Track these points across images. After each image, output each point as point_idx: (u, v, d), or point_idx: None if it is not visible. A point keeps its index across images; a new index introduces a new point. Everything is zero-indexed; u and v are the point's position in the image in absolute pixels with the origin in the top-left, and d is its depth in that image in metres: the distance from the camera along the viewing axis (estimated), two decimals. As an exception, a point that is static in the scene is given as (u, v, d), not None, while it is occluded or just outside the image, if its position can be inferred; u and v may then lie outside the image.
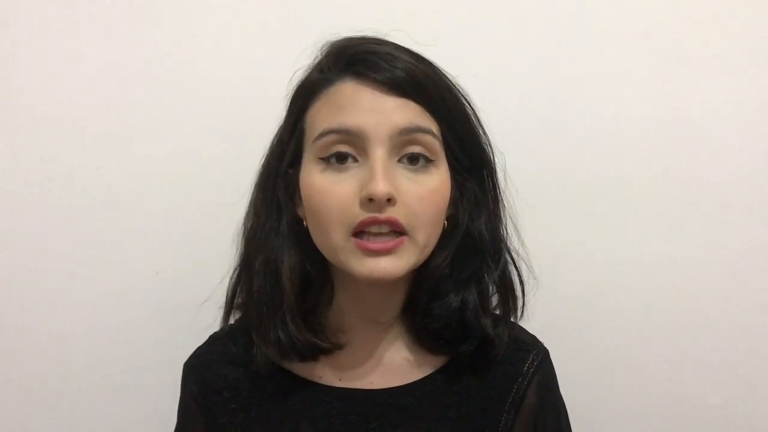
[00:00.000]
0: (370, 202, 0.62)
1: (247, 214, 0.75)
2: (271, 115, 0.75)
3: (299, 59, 0.72)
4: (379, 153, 0.63)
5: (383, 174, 0.62)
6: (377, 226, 0.63)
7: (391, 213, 0.62)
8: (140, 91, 0.92)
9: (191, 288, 0.90)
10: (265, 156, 0.74)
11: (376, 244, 0.63)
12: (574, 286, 0.96)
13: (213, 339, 0.78)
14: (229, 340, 0.75)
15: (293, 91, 0.71)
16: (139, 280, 0.93)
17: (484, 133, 0.73)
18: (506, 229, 0.75)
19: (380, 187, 0.61)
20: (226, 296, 0.76)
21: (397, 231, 0.64)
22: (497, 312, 0.75)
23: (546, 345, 0.78)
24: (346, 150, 0.64)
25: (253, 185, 0.75)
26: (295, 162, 0.70)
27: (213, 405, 0.72)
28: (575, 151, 0.96)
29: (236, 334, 0.75)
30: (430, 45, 0.70)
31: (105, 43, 0.91)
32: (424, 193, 0.65)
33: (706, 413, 0.98)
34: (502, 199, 0.75)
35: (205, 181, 0.93)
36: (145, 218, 0.93)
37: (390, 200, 0.62)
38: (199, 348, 0.77)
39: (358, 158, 0.64)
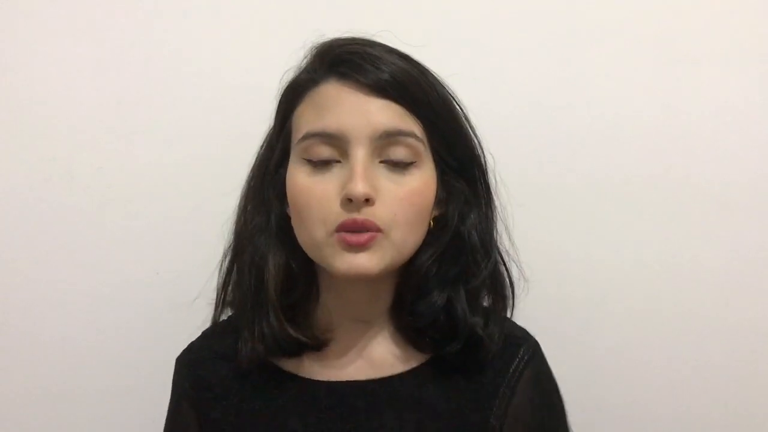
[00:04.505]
0: (349, 202, 0.63)
1: (237, 211, 0.76)
2: (271, 115, 0.76)
3: (298, 59, 0.73)
4: (360, 154, 0.64)
5: (362, 175, 0.63)
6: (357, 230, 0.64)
7: (368, 214, 0.64)
8: (140, 91, 0.92)
9: (191, 288, 0.90)
10: (256, 156, 0.76)
11: (353, 237, 0.64)
12: (573, 287, 0.96)
13: (204, 335, 0.78)
14: (220, 336, 0.76)
15: (281, 93, 0.72)
16: (139, 280, 0.93)
17: (474, 134, 0.73)
18: (497, 230, 0.75)
19: (359, 188, 0.63)
20: (216, 293, 0.77)
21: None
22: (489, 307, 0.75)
23: (545, 346, 0.77)
24: (328, 152, 0.66)
25: (244, 183, 0.76)
26: (284, 162, 0.71)
27: (205, 401, 0.73)
28: (575, 151, 0.95)
29: (227, 331, 0.75)
30: (421, 45, 0.70)
31: (105, 42, 0.91)
32: (404, 194, 0.66)
33: (706, 414, 0.98)
34: (493, 201, 0.75)
35: (205, 181, 0.93)
36: (145, 218, 0.93)
37: (368, 200, 0.64)
38: (191, 344, 0.77)
39: (341, 159, 0.66)
